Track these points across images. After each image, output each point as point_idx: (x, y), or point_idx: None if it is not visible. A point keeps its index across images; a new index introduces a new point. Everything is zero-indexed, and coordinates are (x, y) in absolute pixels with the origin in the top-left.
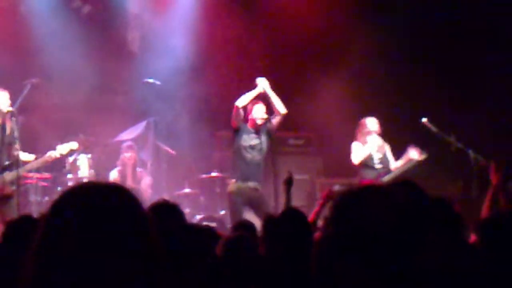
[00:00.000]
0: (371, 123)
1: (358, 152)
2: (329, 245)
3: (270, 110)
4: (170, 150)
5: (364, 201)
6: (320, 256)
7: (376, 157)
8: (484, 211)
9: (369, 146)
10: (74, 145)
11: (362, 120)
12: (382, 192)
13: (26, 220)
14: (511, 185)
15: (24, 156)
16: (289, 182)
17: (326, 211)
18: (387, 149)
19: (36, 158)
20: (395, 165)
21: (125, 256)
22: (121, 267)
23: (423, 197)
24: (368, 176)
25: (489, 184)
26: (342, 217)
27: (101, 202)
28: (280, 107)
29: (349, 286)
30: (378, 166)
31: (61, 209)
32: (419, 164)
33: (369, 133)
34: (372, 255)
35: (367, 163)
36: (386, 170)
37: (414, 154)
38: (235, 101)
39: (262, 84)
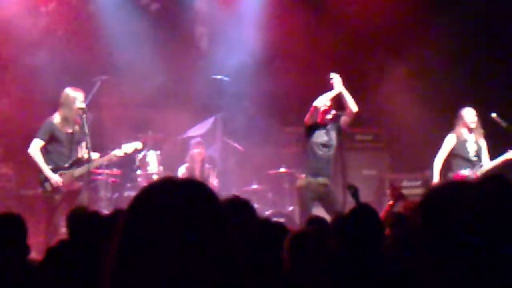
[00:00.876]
0: (467, 115)
1: (441, 151)
2: (418, 243)
3: (342, 107)
4: (238, 146)
5: (455, 198)
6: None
7: (472, 149)
8: None
9: (447, 145)
10: (138, 144)
11: (460, 111)
12: (473, 188)
13: (92, 216)
14: None
15: (86, 154)
16: (354, 194)
17: (397, 208)
18: (483, 143)
19: (100, 157)
20: (490, 163)
21: (206, 253)
22: (203, 263)
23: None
24: (462, 167)
25: None
26: (432, 215)
27: (181, 198)
28: (352, 105)
29: (438, 284)
30: (473, 158)
31: (141, 206)
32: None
33: (464, 124)
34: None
35: (461, 155)
36: (480, 163)
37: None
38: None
39: (337, 81)
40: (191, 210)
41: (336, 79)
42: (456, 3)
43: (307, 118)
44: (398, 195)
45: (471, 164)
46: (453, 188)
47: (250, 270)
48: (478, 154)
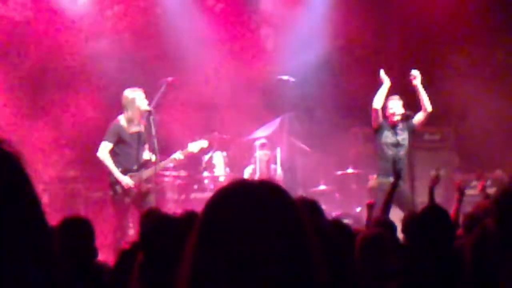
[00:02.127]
0: None
1: None
2: (494, 244)
3: (417, 106)
4: (304, 147)
5: None
6: (481, 255)
7: None
8: None
9: None
10: (204, 143)
11: None
12: None
13: (162, 218)
14: None
15: (148, 156)
16: (435, 181)
17: (465, 207)
18: None
19: (161, 159)
20: None
21: (286, 257)
22: (283, 267)
23: None
24: None
25: None
26: (506, 216)
27: (258, 201)
28: (427, 104)
29: None
30: None
31: (218, 210)
32: None
33: None
34: None
35: None
36: None
37: None
38: (371, 96)
39: (417, 79)
40: (269, 213)
41: (416, 74)
42: None
43: (373, 121)
44: (460, 193)
45: None
46: None
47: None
48: None
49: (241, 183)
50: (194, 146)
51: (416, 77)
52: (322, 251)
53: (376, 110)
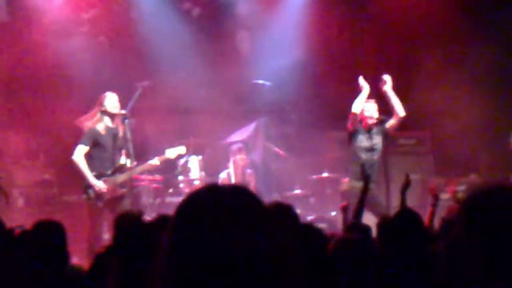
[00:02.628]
0: None
1: None
2: (459, 249)
3: (389, 110)
4: (280, 151)
5: (498, 203)
6: (450, 261)
7: None
8: None
9: None
10: (182, 149)
11: None
12: None
13: (135, 222)
14: None
15: (124, 161)
16: (406, 185)
17: (440, 212)
18: None
19: (138, 164)
20: None
21: (255, 260)
22: (252, 270)
23: None
24: None
25: None
26: (474, 221)
27: (228, 204)
28: (399, 109)
29: None
30: None
31: (189, 213)
32: None
33: None
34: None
35: None
36: None
37: None
38: (347, 100)
39: (388, 81)
40: (239, 216)
41: (387, 79)
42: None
43: (349, 125)
44: (435, 198)
45: None
46: (501, 192)
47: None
48: None
49: (212, 187)
50: (172, 152)
51: (387, 82)
52: (295, 255)
53: (355, 114)
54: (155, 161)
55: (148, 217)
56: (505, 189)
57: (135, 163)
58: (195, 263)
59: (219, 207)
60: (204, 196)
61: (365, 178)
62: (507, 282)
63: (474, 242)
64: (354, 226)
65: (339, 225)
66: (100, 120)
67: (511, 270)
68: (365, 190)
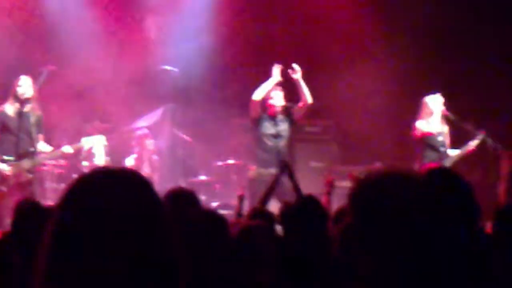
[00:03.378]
0: (433, 102)
1: (422, 127)
2: (349, 234)
3: (297, 97)
4: (186, 137)
5: (382, 189)
6: (340, 246)
7: (440, 139)
8: (502, 198)
9: (431, 126)
10: (102, 139)
11: (424, 99)
12: (400, 179)
13: (34, 208)
14: None
15: (42, 147)
16: (282, 170)
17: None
18: (447, 132)
19: (53, 150)
20: (453, 152)
21: (140, 245)
22: (135, 256)
23: (456, 185)
24: (431, 158)
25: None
26: (363, 207)
27: (114, 189)
28: (307, 96)
29: (369, 273)
30: (442, 149)
31: (72, 199)
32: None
33: (431, 113)
34: (390, 245)
35: (431, 144)
36: (447, 153)
37: (474, 143)
38: (254, 87)
39: (298, 70)
40: (124, 200)
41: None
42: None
43: (250, 112)
44: (329, 186)
45: (439, 154)
46: (385, 180)
47: (190, 262)
48: (444, 144)
49: (97, 171)
50: (89, 142)
51: (297, 71)
52: (190, 242)
53: (255, 101)
54: (69, 149)
55: (51, 202)
56: (389, 177)
57: (45, 149)
58: (75, 253)
59: (104, 192)
60: (88, 181)
61: (281, 165)
62: (389, 264)
63: (359, 228)
64: (259, 212)
65: (245, 212)
66: (12, 103)
67: (357, 253)
68: (277, 178)
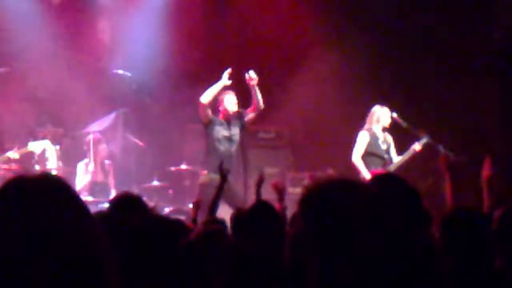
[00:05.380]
0: (383, 113)
1: (358, 148)
2: (298, 240)
3: (248, 102)
4: (139, 142)
5: (331, 196)
6: (291, 252)
7: (383, 147)
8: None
9: (363, 142)
10: (46, 143)
11: (373, 108)
12: (349, 186)
13: None
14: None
15: None
16: (261, 180)
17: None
18: (391, 140)
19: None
20: (398, 159)
21: (60, 248)
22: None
23: (402, 191)
24: (375, 165)
25: (458, 181)
26: (309, 213)
27: (29, 193)
28: (260, 102)
29: (317, 279)
30: (385, 155)
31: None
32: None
33: (378, 122)
34: (336, 251)
35: (374, 152)
36: (390, 160)
37: (416, 146)
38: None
39: (255, 78)
40: (39, 204)
41: (254, 78)
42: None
43: (200, 115)
44: (279, 192)
45: (383, 161)
46: (332, 187)
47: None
48: (388, 151)
49: (16, 177)
50: (36, 146)
51: (253, 78)
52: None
53: (203, 104)
54: (14, 154)
55: None
56: (336, 184)
57: None
58: None
59: (20, 196)
60: (7, 187)
61: (222, 172)
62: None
63: (307, 233)
64: (210, 220)
65: (198, 217)
66: None
67: (338, 257)
68: (221, 186)
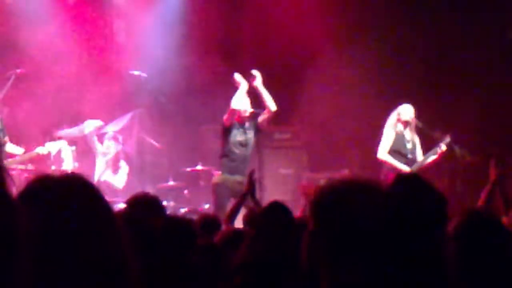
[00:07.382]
0: (406, 111)
1: (384, 145)
2: (311, 241)
3: (261, 105)
4: (154, 143)
5: (344, 198)
6: (306, 252)
7: (408, 147)
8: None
9: (389, 139)
10: (63, 143)
11: (398, 108)
12: (361, 187)
13: None
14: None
15: (12, 148)
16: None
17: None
18: (417, 140)
19: (24, 152)
20: (423, 159)
21: (78, 257)
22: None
23: (422, 193)
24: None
25: (473, 180)
26: (322, 214)
27: (57, 193)
28: (271, 103)
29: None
30: (409, 156)
31: (23, 202)
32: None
33: (401, 121)
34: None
35: (399, 150)
36: (414, 160)
37: (442, 146)
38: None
39: (258, 76)
40: (66, 205)
41: (256, 74)
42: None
43: (226, 119)
44: (305, 194)
45: (408, 160)
46: (345, 189)
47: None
48: (413, 152)
49: (41, 177)
50: (53, 146)
51: (256, 77)
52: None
53: (234, 110)
54: (34, 154)
55: None
56: (350, 185)
57: (17, 152)
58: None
59: (47, 197)
60: (33, 188)
61: (251, 181)
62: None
63: (318, 235)
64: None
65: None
66: None
67: (350, 258)
68: (245, 197)
